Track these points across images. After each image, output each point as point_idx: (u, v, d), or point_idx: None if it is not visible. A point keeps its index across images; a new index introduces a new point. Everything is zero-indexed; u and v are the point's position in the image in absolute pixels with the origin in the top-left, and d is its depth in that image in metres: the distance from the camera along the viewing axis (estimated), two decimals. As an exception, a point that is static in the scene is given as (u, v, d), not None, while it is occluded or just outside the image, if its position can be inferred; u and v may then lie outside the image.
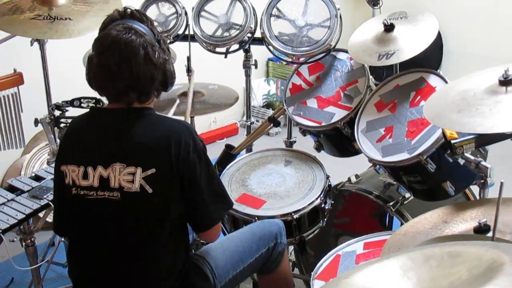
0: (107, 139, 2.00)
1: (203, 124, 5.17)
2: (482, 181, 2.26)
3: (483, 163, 2.21)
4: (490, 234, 1.72)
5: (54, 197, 2.21)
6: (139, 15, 2.03)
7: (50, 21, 2.81)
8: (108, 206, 1.96)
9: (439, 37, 5.50)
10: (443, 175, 2.35)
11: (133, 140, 1.97)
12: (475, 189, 2.52)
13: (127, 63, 1.91)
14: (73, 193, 1.99)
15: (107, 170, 1.94)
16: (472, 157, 2.22)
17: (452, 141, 1.96)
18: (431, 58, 5.56)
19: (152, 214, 1.96)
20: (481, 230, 1.72)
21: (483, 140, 2.00)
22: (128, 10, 2.04)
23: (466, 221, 1.94)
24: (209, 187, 2.03)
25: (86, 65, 2.02)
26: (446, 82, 2.42)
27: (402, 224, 2.52)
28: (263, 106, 5.67)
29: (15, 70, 2.97)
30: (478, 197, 2.40)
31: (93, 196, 1.96)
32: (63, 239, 3.19)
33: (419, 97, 2.49)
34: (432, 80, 2.50)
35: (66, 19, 2.83)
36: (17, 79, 2.96)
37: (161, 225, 1.99)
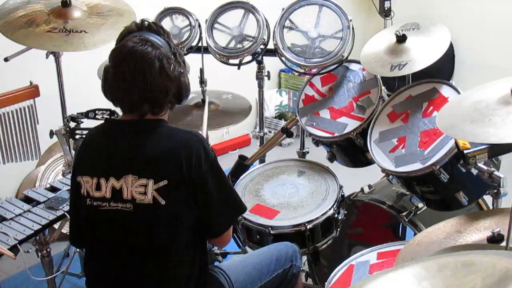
0: (119, 151, 2.02)
1: (216, 135, 5.19)
2: (495, 191, 2.27)
3: (496, 173, 2.23)
4: (503, 243, 1.72)
5: (70, 208, 2.23)
6: (156, 28, 2.05)
7: (66, 34, 2.84)
8: (121, 218, 1.97)
9: (451, 48, 5.50)
10: (456, 185, 2.35)
11: (145, 152, 1.98)
12: (488, 199, 2.53)
13: (142, 74, 1.93)
14: (87, 204, 2.00)
15: (119, 182, 1.96)
16: (485, 167, 2.23)
17: (465, 151, 1.97)
18: (443, 68, 5.56)
19: (165, 226, 1.97)
20: (495, 240, 1.73)
21: (496, 150, 2.01)
22: (146, 22, 2.06)
23: (480, 231, 1.94)
24: (221, 196, 2.05)
25: (102, 75, 2.04)
26: (458, 92, 2.43)
27: (415, 234, 2.52)
28: (275, 117, 5.68)
29: (31, 83, 3.00)
30: (491, 207, 2.40)
31: (105, 207, 1.98)
32: (78, 250, 3.21)
33: (431, 107, 2.50)
34: (445, 90, 2.50)
35: (81, 31, 2.86)
36: (33, 91, 2.99)
37: (175, 236, 2.00)
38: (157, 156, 1.96)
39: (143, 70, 1.93)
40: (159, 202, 1.93)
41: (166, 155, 1.96)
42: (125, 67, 1.94)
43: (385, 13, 5.86)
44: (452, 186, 2.35)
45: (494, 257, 1.06)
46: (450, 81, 2.54)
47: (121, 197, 1.95)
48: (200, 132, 2.49)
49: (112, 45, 2.08)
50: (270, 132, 5.29)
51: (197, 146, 1.98)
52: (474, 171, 2.27)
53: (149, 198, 1.93)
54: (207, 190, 1.99)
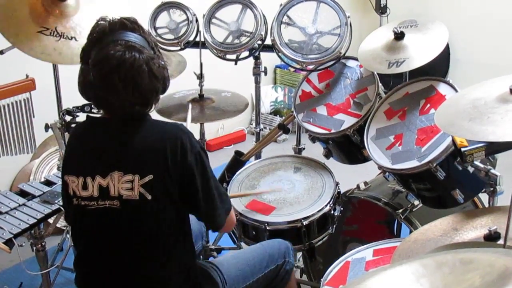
0: (104, 148, 2.00)
1: (211, 131, 5.19)
2: (492, 189, 2.28)
3: (492, 171, 2.23)
4: (500, 241, 1.73)
5: (62, 200, 2.23)
6: (131, 25, 1.99)
7: (56, 38, 2.80)
8: (109, 215, 1.96)
9: (446, 46, 5.51)
10: (452, 182, 2.36)
11: (129, 147, 1.97)
12: (483, 197, 2.53)
13: (133, 82, 1.91)
14: (74, 204, 1.99)
15: (105, 179, 1.94)
16: (481, 165, 2.24)
17: (462, 149, 1.96)
18: (438, 66, 5.57)
19: (153, 221, 1.97)
20: (492, 238, 1.74)
21: (493, 148, 2.01)
22: (118, 21, 1.98)
23: (476, 229, 1.95)
24: (207, 190, 2.03)
25: (80, 79, 2.00)
26: (456, 90, 2.43)
27: (410, 231, 2.53)
28: (270, 113, 5.68)
29: (27, 76, 2.98)
30: (487, 205, 2.41)
31: (93, 206, 1.96)
32: (72, 244, 3.20)
33: (428, 105, 2.50)
34: (442, 88, 2.51)
35: (71, 38, 2.83)
36: (29, 84, 2.98)
37: (164, 231, 1.99)
38: (142, 151, 1.95)
39: (134, 79, 1.91)
40: (145, 197, 1.92)
41: (151, 149, 1.95)
42: (115, 78, 1.90)
43: (381, 10, 5.87)
44: (449, 183, 2.35)
45: (493, 255, 1.06)
46: (446, 78, 2.54)
47: (108, 194, 1.94)
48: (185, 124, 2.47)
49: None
50: (265, 128, 5.30)
51: (182, 138, 1.96)
52: (471, 169, 2.28)
53: (135, 194, 1.92)
54: (194, 181, 1.98)
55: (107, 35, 1.95)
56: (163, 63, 2.02)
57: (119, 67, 1.89)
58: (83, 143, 2.07)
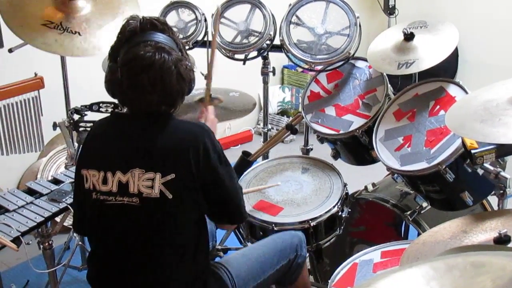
0: (126, 145, 2.01)
1: (218, 131, 5.17)
2: (501, 191, 2.26)
3: (502, 173, 2.22)
4: (510, 245, 1.71)
5: (74, 200, 2.22)
6: (161, 26, 2.01)
7: (60, 31, 2.80)
8: (127, 212, 1.96)
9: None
10: (461, 185, 2.34)
11: (152, 145, 1.97)
12: (492, 199, 2.52)
13: (161, 83, 1.93)
14: (93, 198, 1.99)
15: (125, 176, 1.94)
16: (491, 167, 2.22)
17: (473, 151, 1.95)
18: (446, 67, 5.55)
19: (171, 219, 1.97)
20: (502, 241, 1.72)
21: (504, 151, 1.99)
22: (148, 21, 2.00)
23: (486, 232, 1.93)
24: (233, 185, 2.06)
25: (108, 77, 2.01)
26: (466, 92, 2.42)
27: (419, 233, 2.52)
28: (278, 113, 5.68)
29: (36, 74, 2.99)
30: (496, 208, 2.39)
31: (112, 201, 1.96)
32: (79, 243, 3.21)
33: (438, 106, 2.49)
34: (452, 89, 2.49)
35: (75, 32, 2.83)
36: (37, 83, 2.98)
37: (181, 230, 1.99)
38: (165, 150, 1.95)
39: (162, 80, 1.93)
40: (166, 196, 1.92)
41: (173, 148, 1.95)
42: (144, 78, 1.91)
43: (390, 11, 5.85)
44: (458, 186, 2.34)
45: (504, 258, 1.05)
46: (455, 80, 2.53)
47: (127, 191, 1.94)
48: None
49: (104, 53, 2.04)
50: (272, 128, 5.29)
51: (204, 138, 1.97)
52: (480, 171, 2.26)
53: (156, 192, 1.92)
54: (219, 181, 2.00)
55: (138, 35, 1.96)
56: (189, 64, 2.04)
57: (148, 68, 1.91)
58: (106, 138, 2.08)
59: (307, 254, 2.86)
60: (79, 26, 2.86)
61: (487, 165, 2.18)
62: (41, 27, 2.81)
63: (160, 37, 1.97)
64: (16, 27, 2.82)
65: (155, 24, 1.99)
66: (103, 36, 2.88)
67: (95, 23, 2.89)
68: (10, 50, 3.07)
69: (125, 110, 2.11)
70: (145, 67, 1.91)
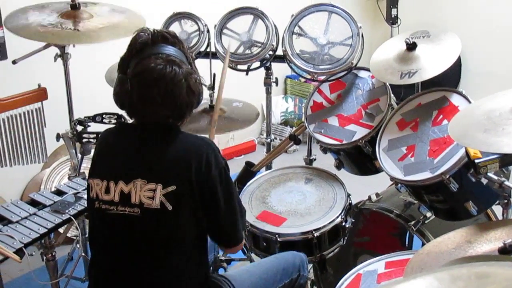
0: (130, 155, 2.01)
1: (221, 141, 5.18)
2: (506, 201, 2.25)
3: (506, 183, 2.21)
4: (515, 255, 1.70)
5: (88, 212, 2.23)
6: (172, 39, 2.01)
7: (58, 29, 2.83)
8: (128, 222, 1.96)
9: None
10: (465, 194, 2.34)
11: (156, 156, 1.98)
12: (496, 209, 2.51)
13: (171, 96, 1.93)
14: (96, 207, 2.00)
15: (128, 186, 1.95)
16: (495, 177, 2.21)
17: (476, 161, 1.94)
18: (449, 77, 5.55)
19: (172, 231, 1.96)
20: (506, 251, 1.71)
21: (507, 160, 1.98)
22: (160, 34, 2.00)
23: (490, 242, 1.92)
24: (229, 206, 2.03)
25: (116, 85, 2.00)
26: (469, 101, 2.42)
27: (423, 243, 2.51)
28: (281, 124, 5.67)
29: (39, 86, 3.00)
30: (500, 218, 2.38)
31: (113, 211, 1.96)
32: (83, 254, 3.20)
33: (441, 116, 2.48)
34: (455, 99, 2.49)
35: (74, 29, 2.85)
36: (41, 94, 2.99)
37: (181, 242, 1.98)
38: (167, 161, 1.96)
39: (172, 93, 1.93)
40: (166, 207, 1.92)
41: (176, 160, 1.95)
42: (154, 90, 1.92)
43: (392, 20, 5.86)
44: (462, 195, 2.33)
45: (509, 269, 1.04)
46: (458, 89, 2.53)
47: (128, 201, 1.94)
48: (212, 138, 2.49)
49: (119, 45, 2.04)
50: (275, 138, 5.28)
51: (208, 153, 1.96)
52: (484, 181, 2.26)
53: (156, 203, 1.92)
54: (215, 198, 1.98)
55: (149, 47, 1.96)
56: (199, 78, 2.04)
57: (159, 81, 1.91)
58: (111, 147, 2.09)
59: (311, 265, 2.87)
60: (79, 26, 2.87)
61: (491, 174, 2.17)
62: (41, 27, 2.85)
63: (171, 50, 1.97)
64: (15, 29, 2.87)
65: (166, 37, 2.00)
66: (102, 30, 2.90)
67: (95, 22, 2.91)
68: (14, 62, 3.09)
69: (131, 121, 2.11)
70: (156, 79, 1.91)
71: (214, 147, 2.02)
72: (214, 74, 3.03)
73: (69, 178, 2.99)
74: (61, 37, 2.83)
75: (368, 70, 2.85)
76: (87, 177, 2.15)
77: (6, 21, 2.94)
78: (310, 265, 2.97)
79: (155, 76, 1.91)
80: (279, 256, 2.41)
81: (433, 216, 2.60)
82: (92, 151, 2.35)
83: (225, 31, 3.03)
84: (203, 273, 2.10)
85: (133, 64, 1.95)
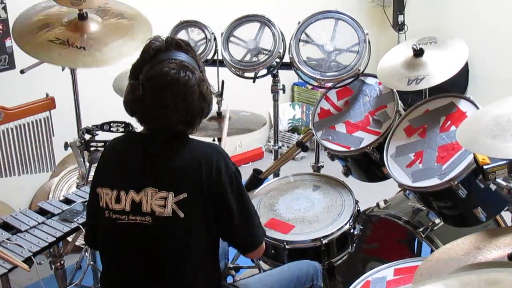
0: (140, 164, 2.01)
1: (228, 148, 5.17)
2: (515, 207, 2.24)
3: (515, 189, 2.19)
4: (525, 261, 1.69)
5: (87, 217, 2.22)
6: (185, 46, 2.02)
7: (65, 47, 2.85)
8: (140, 231, 1.96)
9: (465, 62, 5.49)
10: (474, 201, 2.33)
11: (166, 164, 1.98)
12: (506, 215, 2.50)
13: (184, 101, 1.93)
14: (106, 216, 2.00)
15: (139, 195, 1.95)
16: (504, 183, 2.20)
17: (485, 167, 1.93)
18: (457, 83, 5.54)
19: (184, 238, 1.96)
20: (516, 257, 1.70)
21: (516, 166, 1.98)
22: (174, 41, 2.02)
23: (500, 248, 1.91)
24: (243, 210, 2.03)
25: (128, 94, 2.00)
26: (477, 107, 2.41)
27: (432, 250, 2.50)
28: (288, 131, 5.67)
29: (47, 95, 3.01)
30: (509, 224, 2.37)
31: (124, 220, 1.96)
32: (91, 263, 3.20)
33: (449, 122, 2.48)
34: (463, 105, 2.49)
35: (80, 48, 2.87)
36: (49, 103, 3.00)
37: (193, 249, 1.98)
38: (178, 169, 1.96)
39: (185, 98, 1.93)
40: (178, 215, 1.92)
41: (186, 168, 1.95)
42: (167, 95, 1.92)
43: (399, 27, 5.86)
44: (470, 201, 2.32)
45: (519, 276, 1.04)
46: (466, 95, 2.52)
47: (140, 210, 1.94)
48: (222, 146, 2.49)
49: (124, 62, 2.05)
50: (283, 145, 5.28)
51: (217, 160, 1.97)
52: (493, 187, 2.25)
53: (168, 211, 1.92)
54: (228, 201, 1.98)
55: (162, 53, 1.97)
56: (210, 87, 2.04)
57: (172, 85, 1.91)
58: (120, 156, 2.09)
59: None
60: (86, 43, 2.89)
61: (499, 180, 2.16)
62: (48, 43, 2.86)
63: (184, 57, 1.98)
64: (23, 43, 2.88)
65: (180, 44, 2.01)
66: (109, 51, 2.91)
67: (102, 41, 2.92)
68: (22, 71, 3.10)
69: (139, 129, 2.11)
70: (169, 83, 1.91)
71: (224, 154, 2.03)
72: (223, 81, 3.04)
73: (77, 187, 3.00)
74: (66, 58, 2.86)
75: (375, 76, 2.84)
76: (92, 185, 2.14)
77: (13, 32, 2.96)
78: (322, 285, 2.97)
79: (168, 80, 1.91)
80: (292, 266, 2.40)
81: (442, 223, 2.59)
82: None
83: (231, 38, 3.04)
84: (215, 281, 2.10)
85: (146, 69, 1.96)
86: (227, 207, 1.98)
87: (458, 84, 5.62)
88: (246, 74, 3.02)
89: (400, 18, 5.86)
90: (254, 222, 2.08)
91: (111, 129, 2.93)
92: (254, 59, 3.00)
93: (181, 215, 1.91)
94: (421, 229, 2.57)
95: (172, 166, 1.96)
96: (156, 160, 1.99)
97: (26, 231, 2.41)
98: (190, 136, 2.07)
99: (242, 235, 2.07)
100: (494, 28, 5.47)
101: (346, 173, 2.94)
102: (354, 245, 2.62)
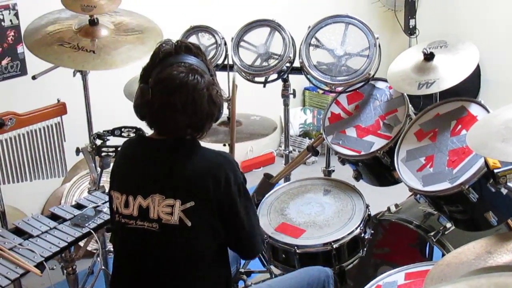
0: (148, 169, 2.01)
1: (240, 153, 5.18)
2: (526, 211, 2.23)
3: (526, 192, 2.18)
4: (536, 265, 1.69)
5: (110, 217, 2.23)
6: (195, 50, 2.02)
7: (75, 50, 2.88)
8: (147, 237, 1.96)
9: (476, 66, 5.46)
10: (485, 205, 2.32)
11: (174, 172, 1.98)
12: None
13: (193, 104, 1.93)
14: (117, 220, 2.02)
15: (146, 200, 1.95)
16: (515, 187, 2.19)
17: (496, 171, 1.93)
18: (469, 87, 5.51)
19: (191, 246, 1.96)
20: (527, 262, 1.69)
21: (527, 170, 1.97)
22: (183, 44, 2.02)
23: (511, 252, 1.90)
24: (248, 219, 2.04)
25: (137, 95, 2.01)
26: (487, 111, 2.40)
27: (443, 254, 2.49)
28: (299, 135, 5.67)
29: (58, 100, 3.02)
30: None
31: (133, 225, 1.97)
32: (103, 267, 3.21)
33: (460, 126, 2.47)
34: (473, 109, 2.48)
35: (90, 51, 2.89)
36: (60, 109, 3.01)
37: (200, 257, 1.99)
38: (186, 177, 1.96)
39: (194, 101, 1.93)
40: (185, 223, 1.92)
41: (195, 176, 1.95)
42: (176, 97, 1.92)
43: (410, 31, 5.85)
44: (481, 206, 2.31)
45: (529, 279, 1.03)
46: (479, 99, 2.51)
47: (147, 216, 1.94)
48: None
49: (135, 65, 2.05)
50: (294, 150, 5.27)
51: (226, 169, 1.97)
52: (504, 191, 2.24)
53: (175, 219, 1.92)
54: (235, 213, 1.98)
55: (172, 56, 1.98)
56: (220, 91, 2.04)
57: (181, 88, 1.92)
58: (130, 160, 2.10)
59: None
60: (95, 47, 2.91)
61: (511, 184, 2.15)
62: (58, 47, 2.90)
63: (194, 60, 1.98)
64: (34, 47, 2.92)
65: (190, 48, 2.01)
66: (118, 54, 2.93)
67: (112, 45, 2.94)
68: (34, 77, 3.13)
69: (150, 133, 2.12)
70: (178, 87, 1.91)
71: (234, 163, 2.03)
72: (236, 86, 3.04)
73: (89, 192, 3.02)
74: (76, 61, 2.89)
75: (385, 80, 2.84)
76: (107, 190, 2.16)
77: (25, 38, 2.99)
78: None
79: (177, 83, 1.91)
80: (303, 272, 2.39)
81: (453, 227, 2.57)
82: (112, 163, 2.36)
83: (242, 43, 3.05)
84: (225, 285, 2.10)
85: (155, 73, 1.96)
86: (235, 217, 1.99)
87: (470, 88, 5.59)
88: (257, 79, 3.03)
89: (412, 22, 5.84)
90: (257, 231, 2.11)
91: (122, 134, 2.94)
92: (264, 63, 3.01)
93: (188, 223, 1.92)
94: (432, 233, 2.56)
95: (180, 174, 1.96)
96: (164, 167, 1.99)
97: (38, 236, 2.43)
98: (201, 143, 2.07)
99: (245, 242, 2.09)
100: (506, 32, 5.44)
101: (357, 177, 2.94)
102: (365, 249, 2.61)
